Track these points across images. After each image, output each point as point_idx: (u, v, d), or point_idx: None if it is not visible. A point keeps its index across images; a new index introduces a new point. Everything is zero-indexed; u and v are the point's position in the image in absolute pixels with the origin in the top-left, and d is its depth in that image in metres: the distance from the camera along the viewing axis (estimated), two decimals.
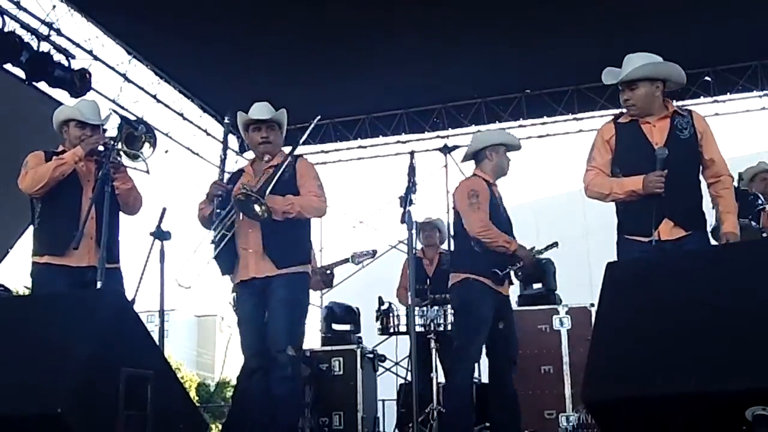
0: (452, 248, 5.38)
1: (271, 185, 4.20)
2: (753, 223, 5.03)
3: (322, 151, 10.97)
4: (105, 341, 2.84)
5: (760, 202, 5.18)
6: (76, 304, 3.20)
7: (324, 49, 8.54)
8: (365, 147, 11.19)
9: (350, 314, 7.77)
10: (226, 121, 4.51)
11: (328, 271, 6.54)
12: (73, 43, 8.42)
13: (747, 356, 2.20)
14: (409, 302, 4.15)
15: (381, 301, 6.37)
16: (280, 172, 4.24)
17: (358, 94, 9.77)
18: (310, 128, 4.53)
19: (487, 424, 6.03)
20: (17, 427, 2.64)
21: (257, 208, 4.14)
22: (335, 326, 7.64)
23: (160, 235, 4.16)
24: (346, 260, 6.69)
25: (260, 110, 4.48)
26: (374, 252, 6.73)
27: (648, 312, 2.45)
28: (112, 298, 3.06)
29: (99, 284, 3.81)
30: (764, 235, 5.03)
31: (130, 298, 3.73)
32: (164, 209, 4.23)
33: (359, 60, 8.72)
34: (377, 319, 6.37)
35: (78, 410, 2.56)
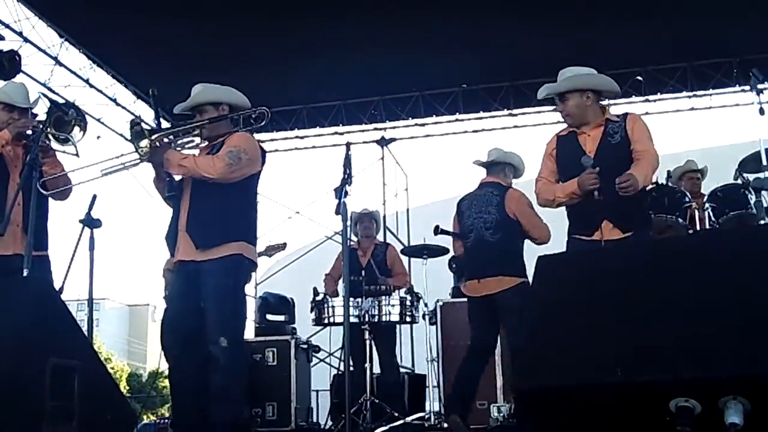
0: (472, 248, 5.40)
1: (176, 133, 4.30)
2: (680, 221, 5.17)
3: (259, 141, 10.85)
4: (30, 331, 2.76)
5: (687, 199, 5.33)
6: (2, 291, 3.09)
7: (263, 37, 8.45)
8: (302, 137, 11.15)
9: (284, 304, 7.73)
10: (152, 93, 4.42)
11: None
12: (2, 23, 8.15)
13: (672, 348, 2.26)
14: (342, 293, 4.13)
15: (316, 292, 6.35)
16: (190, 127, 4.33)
17: (297, 84, 9.70)
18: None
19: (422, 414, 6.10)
20: None
21: (142, 143, 4.19)
22: (269, 316, 7.59)
23: (90, 222, 4.06)
24: (260, 253, 6.69)
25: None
26: (285, 245, 6.79)
27: (578, 303, 2.50)
28: (38, 287, 2.97)
29: (25, 272, 3.69)
30: (690, 232, 5.17)
31: (57, 287, 3.63)
32: (95, 196, 4.14)
33: (298, 49, 8.65)
34: (311, 310, 6.35)
35: (1, 400, 2.48)
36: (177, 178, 4.36)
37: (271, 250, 6.68)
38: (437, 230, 5.73)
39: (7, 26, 8.22)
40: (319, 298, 6.28)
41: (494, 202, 5.32)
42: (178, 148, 4.36)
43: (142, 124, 4.32)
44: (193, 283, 4.17)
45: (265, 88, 9.16)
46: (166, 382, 34.22)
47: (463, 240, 5.50)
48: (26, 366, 2.67)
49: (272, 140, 11.26)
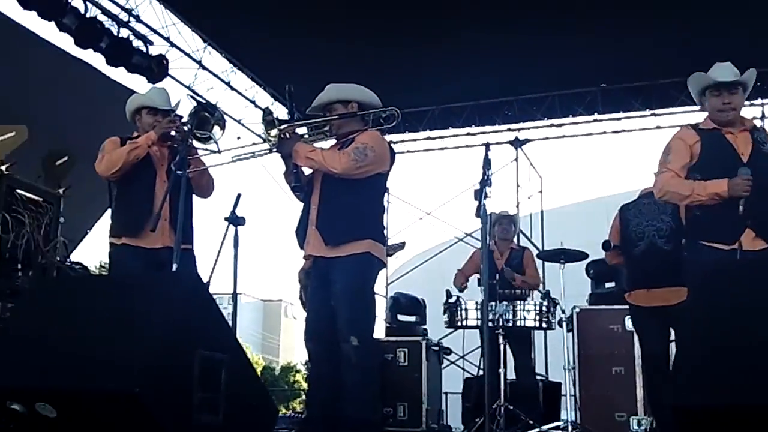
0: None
1: (306, 125, 4.37)
2: None
3: (391, 142, 10.94)
4: (181, 323, 2.85)
5: None
6: (154, 285, 3.22)
7: (395, 39, 8.51)
8: (434, 138, 11.17)
9: (416, 306, 7.74)
10: (288, 89, 4.52)
11: None
12: (151, 29, 8.58)
13: None
14: (482, 297, 4.06)
15: (449, 294, 6.31)
16: (326, 121, 4.39)
17: (429, 84, 9.71)
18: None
19: (558, 423, 5.96)
20: (94, 402, 2.69)
21: (272, 133, 4.26)
22: (401, 317, 7.63)
23: (235, 220, 4.20)
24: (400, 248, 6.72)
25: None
26: (404, 244, 6.78)
27: (738, 317, 2.33)
28: (189, 280, 3.08)
29: (174, 266, 3.85)
30: None
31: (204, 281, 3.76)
32: (239, 195, 4.27)
33: (431, 50, 8.66)
34: (444, 312, 6.31)
35: (154, 390, 2.59)
36: (306, 171, 4.42)
37: (390, 250, 6.68)
38: (607, 246, 5.48)
39: (156, 32, 8.64)
40: (452, 300, 6.23)
41: (668, 210, 5.05)
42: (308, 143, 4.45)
43: (274, 114, 4.42)
44: (324, 280, 4.22)
45: (397, 89, 9.21)
46: (298, 377, 35.06)
47: (629, 248, 5.28)
48: (177, 357, 2.77)
49: (403, 141, 11.34)
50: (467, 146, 10.96)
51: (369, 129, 4.38)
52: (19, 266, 4.85)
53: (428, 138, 11.16)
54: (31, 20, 7.45)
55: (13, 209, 4.88)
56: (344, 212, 4.21)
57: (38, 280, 4.77)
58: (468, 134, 10.72)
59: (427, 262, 11.66)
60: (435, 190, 30.30)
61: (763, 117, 9.45)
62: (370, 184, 4.25)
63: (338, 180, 4.20)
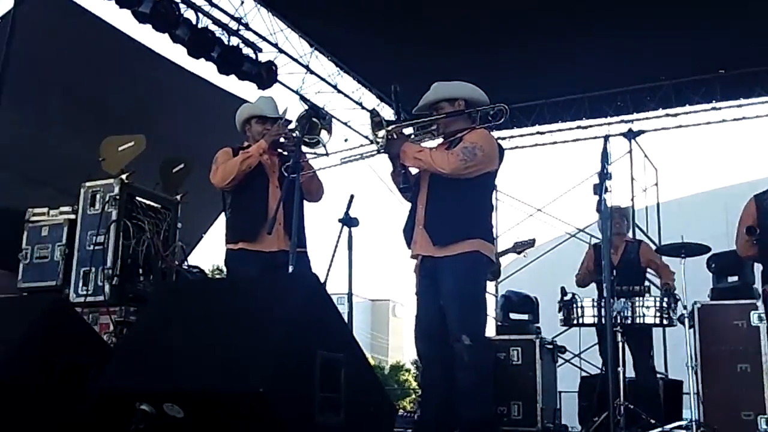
0: None
1: (413, 125, 4.37)
2: None
3: (499, 138, 10.86)
4: (302, 323, 2.89)
5: None
6: (274, 286, 3.29)
7: (500, 34, 8.44)
8: (543, 133, 11.00)
9: (528, 303, 7.62)
10: (395, 89, 4.53)
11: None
12: (260, 36, 8.80)
13: None
14: (604, 293, 3.96)
15: (564, 292, 6.18)
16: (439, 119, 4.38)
17: (536, 78, 9.57)
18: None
19: (682, 423, 5.76)
20: (220, 402, 2.76)
21: (380, 134, 4.27)
22: (513, 315, 7.53)
23: (349, 221, 4.25)
24: (508, 250, 6.62)
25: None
26: (533, 241, 6.65)
27: None
28: (309, 281, 3.11)
29: (291, 268, 3.93)
30: None
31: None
32: (352, 196, 4.31)
33: (538, 43, 8.53)
34: (559, 310, 6.20)
35: (277, 390, 2.63)
36: (413, 171, 4.43)
37: (519, 247, 6.62)
38: (753, 231, 5.22)
39: (264, 39, 8.86)
40: (567, 297, 6.11)
41: None
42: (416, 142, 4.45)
43: (381, 115, 4.44)
44: (433, 279, 4.21)
45: (504, 85, 9.12)
46: (407, 376, 35.21)
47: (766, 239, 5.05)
48: (298, 357, 2.81)
49: (511, 137, 11.22)
50: (577, 140, 10.76)
51: (477, 127, 4.35)
52: (140, 271, 4.99)
53: (537, 133, 11.00)
54: (145, 33, 7.79)
55: (133, 216, 5.03)
56: (452, 212, 4.19)
57: (160, 284, 4.93)
58: (579, 128, 10.52)
59: (539, 259, 11.48)
60: (545, 186, 29.86)
61: None
62: (478, 182, 4.21)
63: (446, 179, 4.18)
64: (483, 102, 4.39)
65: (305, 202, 4.78)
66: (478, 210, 4.27)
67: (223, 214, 4.93)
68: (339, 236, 4.19)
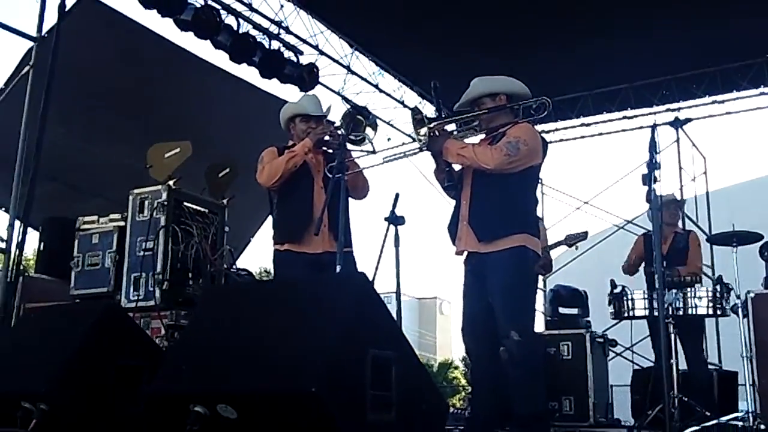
0: None
1: (455, 122, 4.35)
2: None
3: (542, 132, 10.78)
4: (352, 322, 2.89)
5: None
6: (323, 287, 3.30)
7: (540, 26, 8.36)
8: (588, 125, 10.89)
9: (577, 297, 7.55)
10: (434, 86, 4.51)
11: (544, 254, 6.46)
12: (301, 39, 8.84)
13: None
14: (656, 284, 3.90)
15: (614, 285, 6.11)
16: (476, 114, 4.37)
17: (579, 70, 9.46)
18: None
19: (738, 414, 5.65)
20: (273, 403, 2.78)
21: (422, 131, 4.27)
22: (562, 309, 7.46)
23: (395, 219, 4.23)
24: (559, 243, 6.54)
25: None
26: (586, 234, 6.56)
27: None
28: (358, 282, 3.11)
29: (338, 268, 3.93)
30: None
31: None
32: (397, 195, 4.29)
33: (580, 32, 8.45)
34: (609, 303, 6.13)
35: (330, 389, 2.64)
36: (456, 168, 4.41)
37: (571, 240, 6.52)
38: None
39: (305, 41, 8.90)
40: (617, 290, 6.03)
41: None
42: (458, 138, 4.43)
43: (423, 113, 4.43)
44: (479, 276, 4.19)
45: (547, 77, 9.04)
46: (456, 373, 35.12)
47: None
48: (349, 356, 2.82)
49: (556, 130, 11.11)
50: (623, 131, 10.62)
51: (520, 121, 4.32)
52: (190, 275, 5.04)
53: (582, 125, 10.90)
54: (187, 40, 7.88)
55: (181, 221, 5.08)
56: (497, 207, 4.17)
57: (209, 287, 4.97)
58: (624, 118, 10.37)
59: (587, 252, 11.35)
60: (592, 178, 29.49)
61: None
62: (522, 177, 4.19)
63: (490, 175, 4.17)
64: (525, 95, 4.36)
65: (350, 199, 4.79)
66: (522, 204, 4.24)
67: (270, 216, 4.95)
68: (386, 235, 4.18)
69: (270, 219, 4.96)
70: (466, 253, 4.31)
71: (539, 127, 10.61)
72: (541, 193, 11.51)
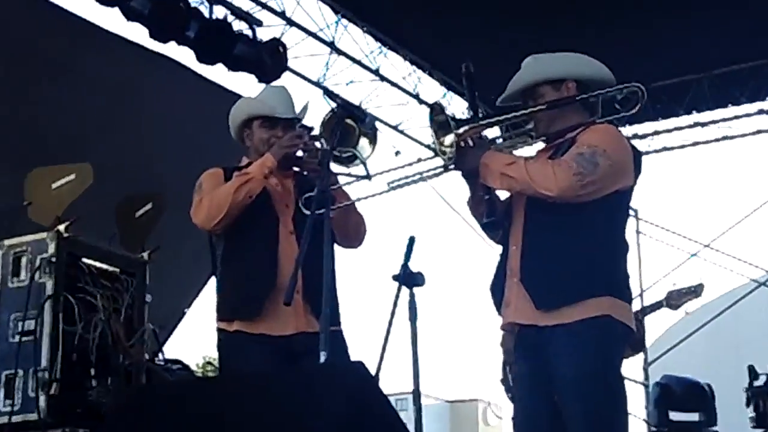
0: None
1: (497, 124, 4.41)
2: None
3: (633, 137, 10.83)
4: None
5: None
6: (301, 387, 3.30)
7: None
8: (704, 124, 11.01)
9: (698, 395, 7.57)
10: (467, 70, 4.53)
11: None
12: (259, 3, 8.88)
13: None
14: None
15: (754, 373, 6.12)
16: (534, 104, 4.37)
17: (690, 42, 9.53)
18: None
19: None
20: None
21: (447, 140, 4.30)
22: (673, 415, 7.49)
23: (409, 279, 4.17)
24: (658, 305, 6.55)
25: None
26: (700, 288, 6.59)
27: None
28: (352, 377, 3.11)
29: (323, 356, 3.91)
30: None
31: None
32: (412, 239, 4.22)
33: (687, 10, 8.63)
34: (748, 403, 6.14)
35: None
36: (501, 195, 4.44)
37: (676, 299, 6.52)
38: None
39: (265, 5, 8.95)
40: (759, 382, 6.05)
41: None
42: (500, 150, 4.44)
43: (447, 111, 4.46)
44: (537, 360, 4.20)
45: (636, 56, 9.11)
46: None
47: None
48: None
49: (656, 133, 11.18)
50: (759, 132, 10.68)
51: (597, 121, 4.35)
52: (93, 371, 5.06)
53: (696, 124, 10.99)
54: (89, 10, 7.95)
55: (79, 288, 5.10)
56: (564, 256, 4.17)
57: (123, 390, 4.99)
58: (762, 112, 10.44)
59: (710, 323, 11.35)
60: (712, 208, 29.50)
61: None
62: (603, 208, 4.18)
63: (552, 205, 4.16)
64: (605, 81, 4.38)
65: (337, 247, 4.78)
66: (604, 251, 4.24)
67: (213, 276, 4.94)
68: (395, 302, 4.14)
69: (213, 281, 4.95)
70: (517, 327, 4.32)
71: (627, 131, 10.68)
72: (635, 232, 11.53)
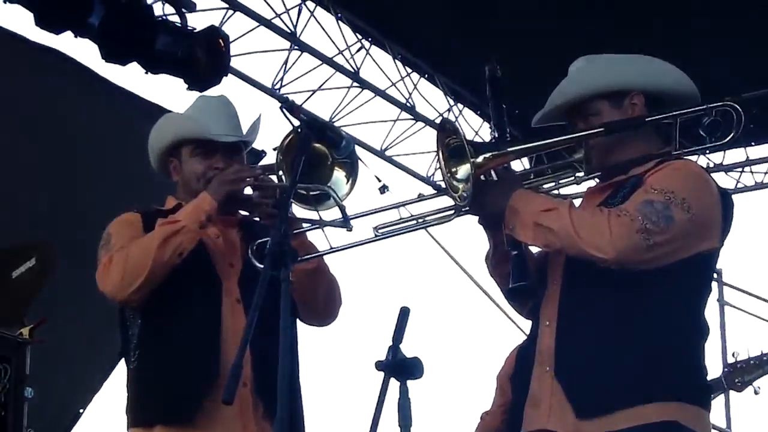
0: None
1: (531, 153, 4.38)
2: None
3: (719, 167, 10.91)
4: None
5: None
6: None
7: None
8: None
9: None
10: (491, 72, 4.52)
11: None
12: None
13: None
14: None
15: None
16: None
17: None
18: None
19: None
20: None
21: (461, 172, 4.29)
22: None
23: (399, 366, 4.17)
24: (715, 386, 6.61)
25: None
26: None
27: None
28: None
29: None
30: None
31: None
32: (405, 312, 4.24)
33: None
34: None
35: None
36: (534, 250, 4.49)
37: (739, 376, 6.61)
38: None
39: None
40: None
41: None
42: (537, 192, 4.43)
43: (461, 132, 4.42)
44: None
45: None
46: None
47: None
48: None
49: (747, 164, 11.24)
50: None
51: (674, 154, 4.34)
52: None
53: None
54: None
55: None
56: (616, 343, 4.19)
57: None
58: None
59: None
60: None
61: None
62: (675, 277, 4.19)
63: (603, 272, 4.15)
64: (685, 97, 4.42)
65: (301, 324, 4.81)
66: (675, 337, 4.24)
67: (124, 362, 4.91)
68: (381, 399, 4.14)
69: (122, 367, 4.92)
70: None
71: (705, 160, 10.75)
72: (717, 301, 11.56)
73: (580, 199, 4.46)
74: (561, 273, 4.32)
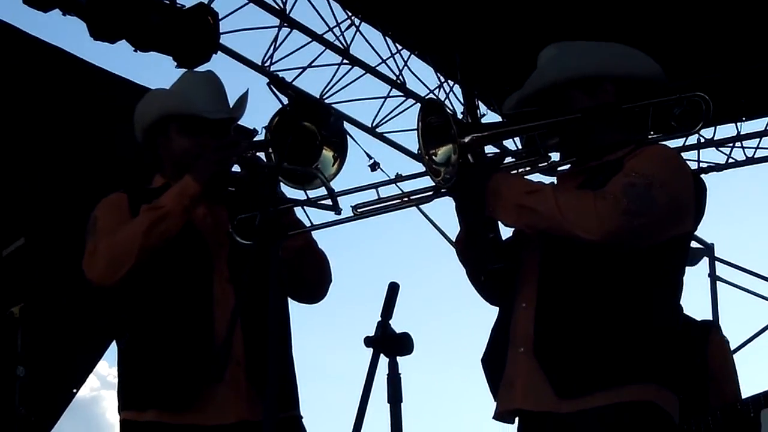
0: None
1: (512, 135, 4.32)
2: None
3: (709, 142, 10.92)
4: None
5: None
6: None
7: None
8: None
9: None
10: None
11: None
12: None
13: None
14: None
15: None
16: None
17: None
18: None
19: None
20: None
21: (441, 152, 4.23)
22: None
23: (389, 344, 4.17)
24: None
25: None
26: None
27: None
28: None
29: None
30: None
31: None
32: (394, 288, 4.23)
33: None
34: None
35: None
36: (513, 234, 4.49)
37: None
38: None
39: None
40: None
41: None
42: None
43: (447, 111, 4.36)
44: None
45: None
46: None
47: None
48: None
49: (739, 138, 11.26)
50: None
51: (650, 139, 4.39)
52: None
53: None
54: None
55: None
56: (590, 323, 4.19)
57: None
58: None
59: None
60: None
61: None
62: (652, 259, 4.22)
63: (581, 253, 4.17)
64: (654, 81, 4.42)
65: (292, 302, 4.81)
66: (650, 318, 4.24)
67: (115, 344, 4.90)
68: (370, 376, 4.14)
69: (113, 350, 4.92)
70: (523, 415, 4.33)
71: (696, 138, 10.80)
72: (709, 276, 11.58)
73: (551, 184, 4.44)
74: (538, 256, 4.32)
